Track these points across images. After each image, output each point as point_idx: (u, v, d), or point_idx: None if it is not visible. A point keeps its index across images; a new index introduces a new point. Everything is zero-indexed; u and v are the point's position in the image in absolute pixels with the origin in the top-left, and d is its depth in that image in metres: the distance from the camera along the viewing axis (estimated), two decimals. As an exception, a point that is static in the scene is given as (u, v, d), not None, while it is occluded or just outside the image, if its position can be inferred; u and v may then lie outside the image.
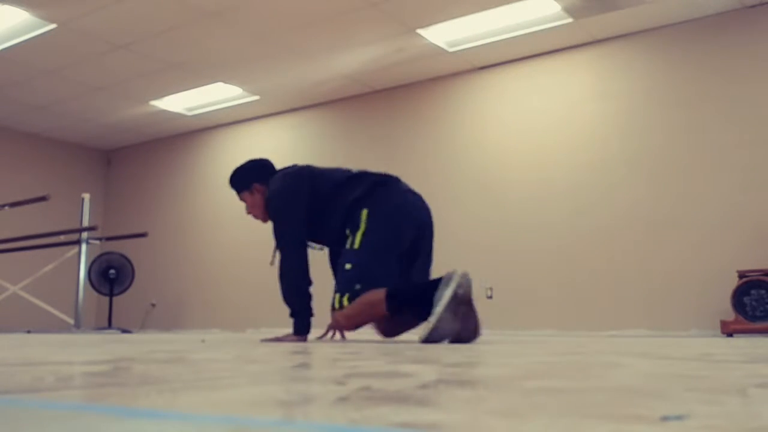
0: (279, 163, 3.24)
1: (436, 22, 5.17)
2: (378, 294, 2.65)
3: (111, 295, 7.20)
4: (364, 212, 2.84)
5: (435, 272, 6.12)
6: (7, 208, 6.20)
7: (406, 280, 2.91)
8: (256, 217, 3.11)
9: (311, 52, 5.71)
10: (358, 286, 2.74)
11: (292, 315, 2.87)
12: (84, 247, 6.16)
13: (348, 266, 2.80)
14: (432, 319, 2.43)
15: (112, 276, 7.19)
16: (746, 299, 4.30)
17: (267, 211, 3.03)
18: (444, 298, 2.42)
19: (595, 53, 5.49)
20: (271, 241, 2.97)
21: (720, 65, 4.94)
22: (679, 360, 1.36)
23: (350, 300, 2.74)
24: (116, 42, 5.51)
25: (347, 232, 2.87)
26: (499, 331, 5.44)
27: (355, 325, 2.82)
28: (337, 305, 2.77)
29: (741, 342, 2.82)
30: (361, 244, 2.81)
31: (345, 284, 2.78)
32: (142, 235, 6.48)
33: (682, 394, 0.69)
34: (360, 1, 4.81)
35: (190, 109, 7.18)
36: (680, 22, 5.13)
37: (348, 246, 2.85)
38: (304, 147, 6.89)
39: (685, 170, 4.95)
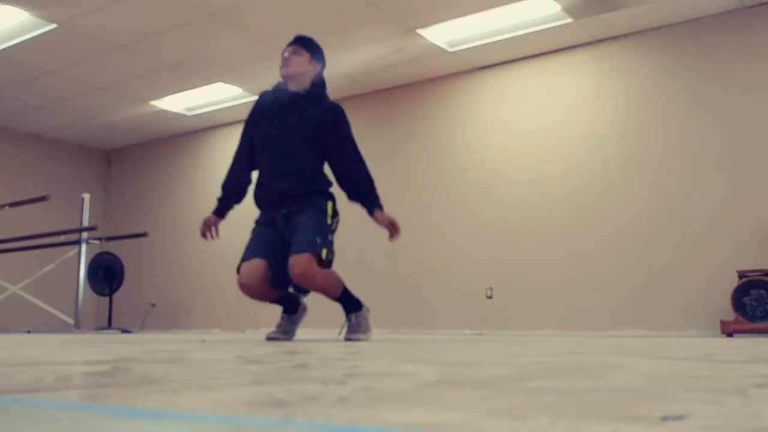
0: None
1: (436, 22, 5.17)
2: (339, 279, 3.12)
3: (111, 294, 7.20)
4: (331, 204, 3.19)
5: (434, 271, 6.08)
6: (7, 208, 6.20)
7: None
8: (290, 69, 3.33)
9: (311, 52, 5.71)
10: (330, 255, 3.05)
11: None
12: (84, 247, 6.15)
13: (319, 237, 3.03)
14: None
15: (100, 276, 7.18)
16: (746, 299, 4.30)
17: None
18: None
19: (595, 53, 5.48)
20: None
21: (720, 65, 4.94)
22: (679, 360, 1.36)
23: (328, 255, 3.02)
24: (116, 42, 5.50)
25: (329, 204, 3.16)
26: (499, 331, 5.45)
27: (322, 286, 3.05)
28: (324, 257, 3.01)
29: (741, 342, 2.82)
30: (331, 226, 3.13)
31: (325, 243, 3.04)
32: (142, 235, 6.47)
33: (682, 394, 0.69)
34: (360, 1, 4.81)
35: (190, 109, 7.18)
36: (680, 22, 5.13)
37: (322, 218, 3.11)
38: (304, 147, 6.87)
39: (685, 170, 4.95)
